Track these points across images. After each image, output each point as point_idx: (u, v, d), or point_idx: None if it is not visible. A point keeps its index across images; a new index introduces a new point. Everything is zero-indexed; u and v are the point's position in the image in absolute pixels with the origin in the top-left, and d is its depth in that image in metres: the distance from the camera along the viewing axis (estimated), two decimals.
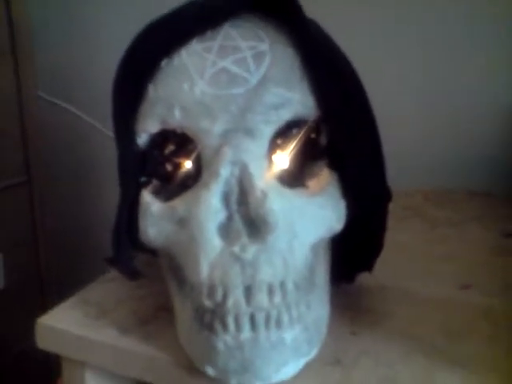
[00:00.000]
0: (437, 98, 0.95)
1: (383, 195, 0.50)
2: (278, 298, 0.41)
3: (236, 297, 0.40)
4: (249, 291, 0.40)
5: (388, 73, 0.93)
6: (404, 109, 0.96)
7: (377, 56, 0.92)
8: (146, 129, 0.46)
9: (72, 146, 1.31)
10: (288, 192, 0.44)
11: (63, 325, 0.51)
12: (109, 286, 0.58)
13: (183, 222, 0.43)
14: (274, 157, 0.44)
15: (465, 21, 0.91)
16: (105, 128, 1.18)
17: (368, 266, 0.53)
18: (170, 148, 0.46)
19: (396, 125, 0.88)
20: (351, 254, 0.50)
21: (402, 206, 0.82)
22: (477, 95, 0.92)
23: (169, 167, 0.47)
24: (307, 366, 0.43)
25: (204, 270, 0.41)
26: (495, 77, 0.91)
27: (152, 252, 0.50)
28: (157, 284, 0.53)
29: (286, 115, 0.44)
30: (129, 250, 0.48)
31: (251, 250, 0.40)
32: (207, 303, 0.41)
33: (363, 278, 0.55)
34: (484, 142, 0.92)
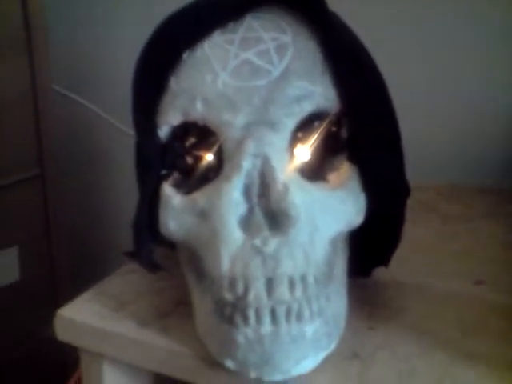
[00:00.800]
0: (450, 92, 0.95)
1: (402, 190, 0.50)
2: (298, 292, 0.41)
3: (257, 290, 0.40)
4: (270, 284, 0.40)
5: (397, 64, 0.93)
6: (416, 103, 0.95)
7: (386, 49, 0.92)
8: (168, 121, 0.46)
9: (85, 139, 1.31)
10: (309, 185, 0.44)
11: (82, 317, 0.51)
12: (128, 279, 0.58)
13: (204, 215, 0.43)
14: (295, 150, 0.44)
15: (466, 21, 0.91)
16: (118, 122, 1.18)
17: (385, 260, 0.53)
18: (192, 140, 0.46)
19: (409, 119, 0.88)
20: (368, 249, 0.50)
21: (416, 200, 0.81)
22: (489, 90, 0.92)
23: (190, 160, 0.46)
24: (325, 360, 0.43)
25: (225, 263, 0.41)
26: (509, 70, 0.91)
27: (170, 245, 0.50)
28: (176, 277, 0.53)
29: (307, 108, 0.44)
30: (149, 243, 0.49)
31: (272, 243, 0.40)
32: (228, 296, 0.41)
33: (379, 273, 0.55)
34: (496, 137, 0.92)
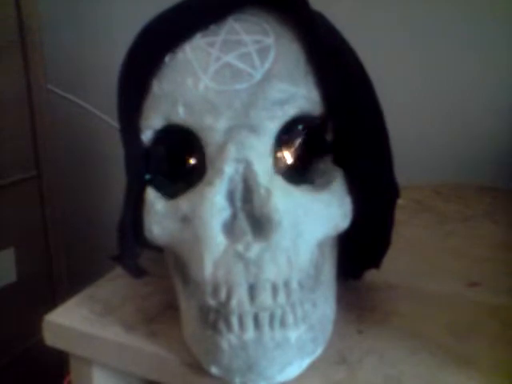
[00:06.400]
0: (448, 91, 0.94)
1: (391, 191, 0.49)
2: (281, 297, 0.40)
3: (240, 296, 0.40)
4: (252, 290, 0.40)
5: (395, 64, 0.93)
6: (414, 102, 0.95)
7: (383, 49, 0.92)
8: (151, 125, 0.45)
9: (81, 139, 1.31)
10: (293, 189, 0.43)
11: (70, 322, 0.51)
12: (115, 283, 0.58)
13: (187, 220, 0.43)
14: (279, 153, 0.44)
15: (467, 19, 0.91)
16: (114, 121, 1.18)
17: (376, 262, 0.52)
18: (175, 144, 0.46)
19: (406, 117, 0.88)
20: (359, 251, 0.50)
21: (412, 199, 0.81)
22: (488, 88, 0.91)
23: (173, 164, 0.46)
24: (312, 365, 0.43)
25: (208, 269, 0.41)
26: (507, 68, 0.90)
27: (159, 249, 0.49)
28: (163, 281, 0.53)
29: (290, 111, 0.43)
30: (134, 248, 0.48)
31: (255, 249, 0.40)
32: (211, 302, 0.41)
33: (370, 275, 0.55)
34: (494, 136, 0.92)
